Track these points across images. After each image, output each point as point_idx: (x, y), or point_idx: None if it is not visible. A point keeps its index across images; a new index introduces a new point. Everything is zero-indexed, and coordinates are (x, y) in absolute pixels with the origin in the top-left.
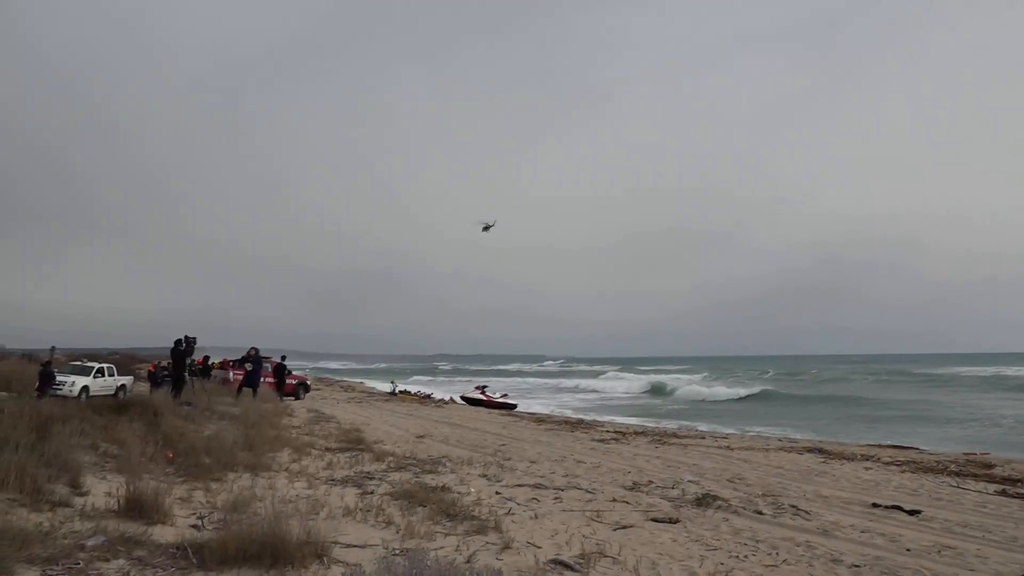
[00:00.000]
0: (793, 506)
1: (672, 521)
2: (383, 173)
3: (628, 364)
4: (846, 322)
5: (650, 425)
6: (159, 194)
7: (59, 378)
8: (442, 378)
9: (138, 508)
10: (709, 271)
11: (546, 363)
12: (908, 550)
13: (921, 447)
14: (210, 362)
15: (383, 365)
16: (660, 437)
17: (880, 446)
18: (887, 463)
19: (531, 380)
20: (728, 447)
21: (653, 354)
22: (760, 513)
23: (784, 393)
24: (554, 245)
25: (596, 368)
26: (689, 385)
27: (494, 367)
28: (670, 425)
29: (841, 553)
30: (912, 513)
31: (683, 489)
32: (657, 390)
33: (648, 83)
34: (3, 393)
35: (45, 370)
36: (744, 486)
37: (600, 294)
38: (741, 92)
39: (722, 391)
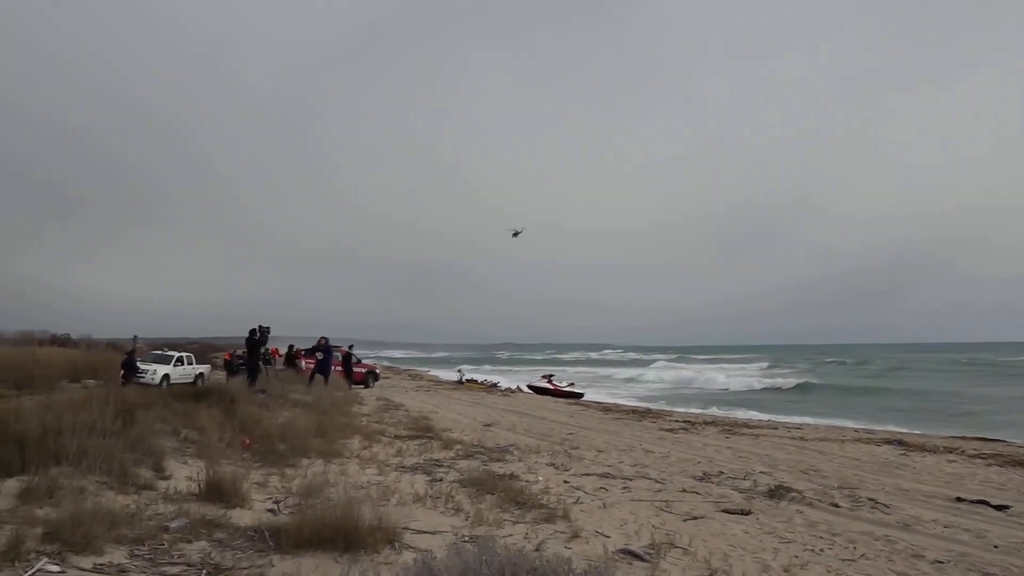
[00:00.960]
0: (871, 499)
1: (744, 512)
2: (451, 161)
3: (692, 352)
4: (927, 306)
5: (720, 415)
6: (230, 189)
7: (141, 367)
8: (505, 367)
9: (218, 492)
10: (782, 255)
11: (611, 351)
12: (996, 547)
13: (1008, 439)
14: (295, 350)
15: (444, 354)
16: (730, 427)
17: (964, 438)
18: (971, 456)
19: (596, 369)
20: (802, 438)
21: (718, 342)
22: (836, 506)
23: (852, 385)
24: (623, 229)
25: (657, 357)
26: (748, 375)
27: (558, 355)
28: (739, 414)
29: (923, 548)
30: (1000, 508)
31: (755, 480)
32: (715, 380)
33: (730, 59)
34: (91, 381)
35: (129, 359)
36: (819, 478)
37: (668, 279)
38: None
39: (784, 380)
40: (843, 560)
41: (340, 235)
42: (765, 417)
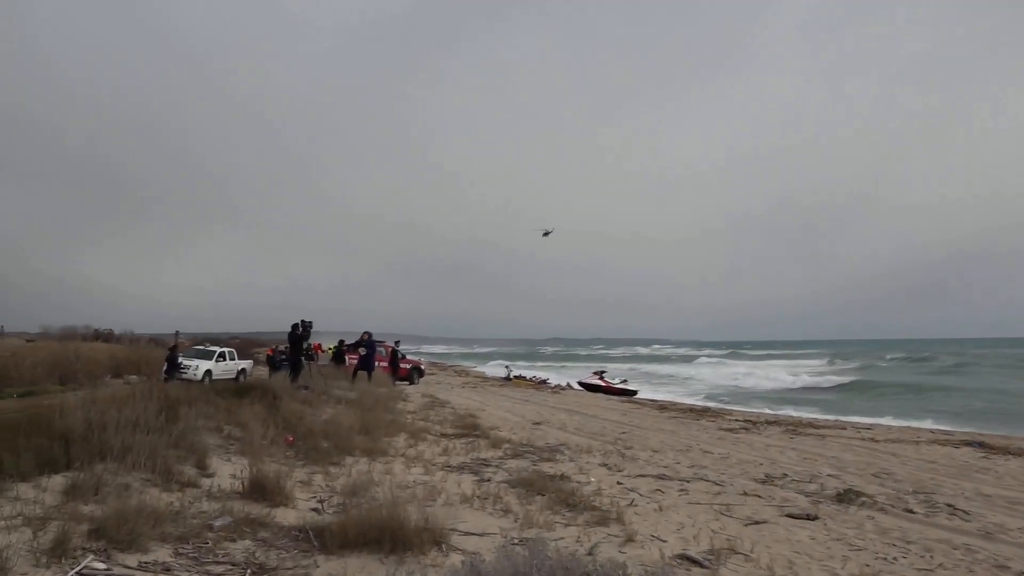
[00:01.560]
0: (949, 505)
1: (810, 517)
2: (509, 155)
3: (745, 348)
4: (990, 300)
5: (782, 413)
6: (276, 182)
7: (184, 362)
8: (554, 363)
9: (261, 490)
10: (840, 248)
11: (660, 346)
12: None
13: None
14: (345, 345)
15: (486, 349)
16: (794, 427)
17: None
18: None
19: (648, 365)
20: (872, 439)
21: (774, 338)
22: (911, 512)
23: (919, 383)
24: (673, 226)
25: (711, 352)
26: (807, 371)
27: (607, 351)
28: (801, 413)
29: (1007, 559)
30: None
31: (822, 483)
32: (773, 377)
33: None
34: (133, 376)
35: (172, 354)
36: (892, 482)
37: (723, 275)
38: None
39: (844, 378)
40: (919, 570)
41: (386, 234)
42: (830, 417)
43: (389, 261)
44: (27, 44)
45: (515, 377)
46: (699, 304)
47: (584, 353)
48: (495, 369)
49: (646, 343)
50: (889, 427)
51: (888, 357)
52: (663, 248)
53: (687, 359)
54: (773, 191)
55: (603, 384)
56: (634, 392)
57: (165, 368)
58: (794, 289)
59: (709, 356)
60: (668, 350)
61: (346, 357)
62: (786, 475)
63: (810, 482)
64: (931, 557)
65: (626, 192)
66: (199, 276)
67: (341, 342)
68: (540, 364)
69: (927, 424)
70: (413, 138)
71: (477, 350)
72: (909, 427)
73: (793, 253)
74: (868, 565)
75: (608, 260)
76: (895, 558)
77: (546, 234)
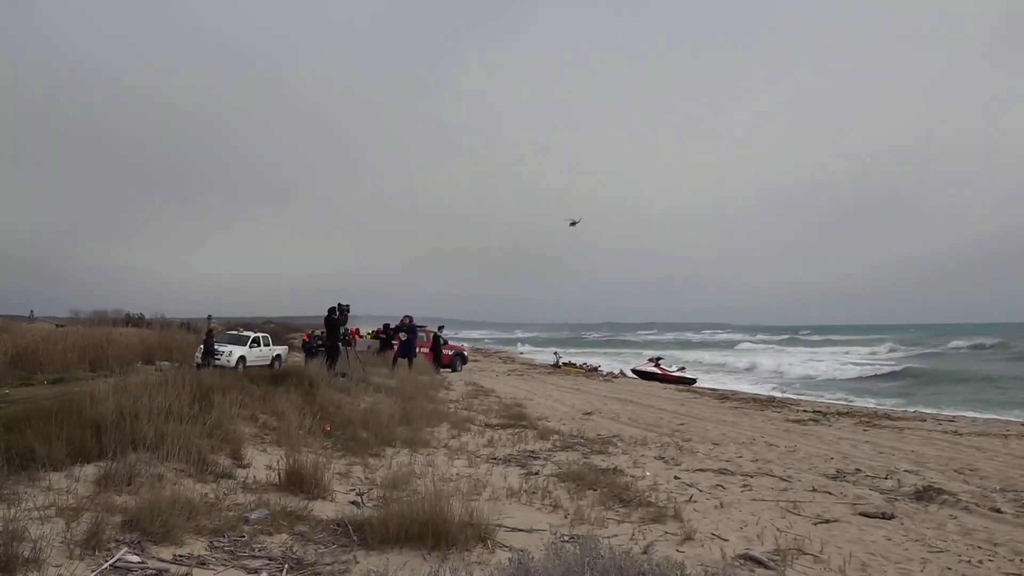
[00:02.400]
0: None
1: (886, 516)
2: (556, 138)
3: (808, 332)
4: None
5: (855, 404)
6: (315, 162)
7: (217, 347)
8: (598, 348)
9: (298, 482)
10: (905, 227)
11: (722, 332)
12: None
13: None
14: (391, 328)
15: (529, 334)
16: (868, 418)
17: None
18: None
19: (705, 353)
20: (955, 432)
21: (835, 322)
22: (998, 511)
23: (1002, 372)
24: (730, 204)
25: (773, 338)
26: (876, 359)
27: (657, 337)
28: (877, 404)
29: None
30: None
31: (899, 480)
32: (841, 364)
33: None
34: (164, 362)
35: (208, 340)
36: (977, 479)
37: (792, 251)
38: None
39: (917, 364)
40: (1006, 574)
41: (427, 219)
42: (907, 408)
43: (431, 245)
44: (51, 35)
45: (564, 364)
46: (760, 284)
47: (629, 338)
48: (543, 355)
49: (697, 327)
50: (974, 419)
51: (955, 343)
52: (720, 223)
53: (743, 345)
54: (843, 157)
55: (659, 372)
56: (693, 381)
57: (200, 354)
58: (859, 270)
59: (765, 343)
60: (722, 336)
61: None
62: (859, 470)
63: (886, 478)
64: (1021, 561)
65: (690, 167)
66: (232, 259)
67: (387, 325)
68: (586, 350)
69: (1015, 416)
70: (456, 122)
71: (519, 335)
72: (997, 419)
73: (856, 232)
74: (950, 568)
75: (664, 240)
76: (980, 561)
77: (573, 224)
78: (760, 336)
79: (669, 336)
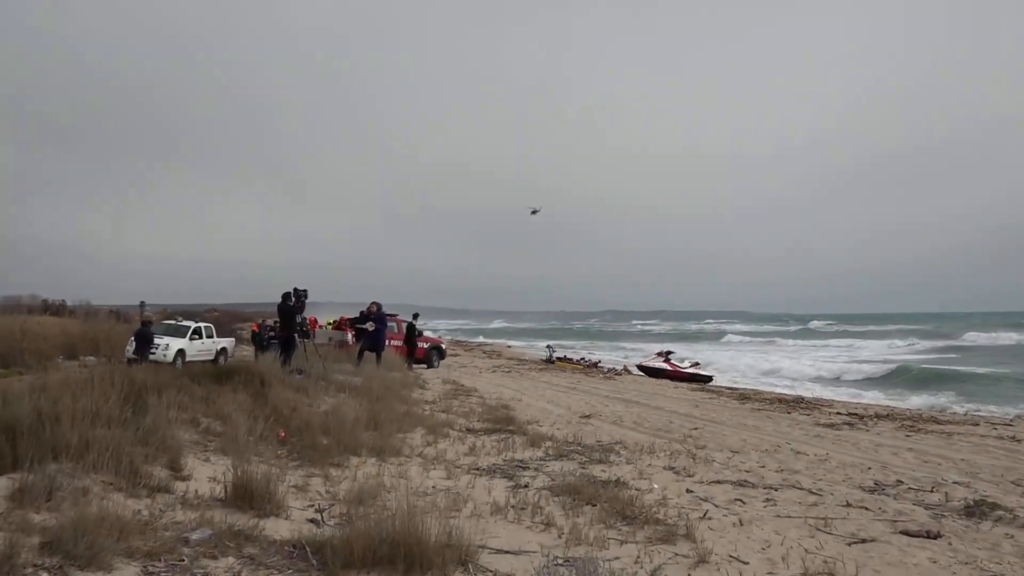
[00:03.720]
0: None
1: (931, 535)
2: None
3: (831, 321)
4: None
5: (898, 406)
6: (267, 128)
7: (152, 340)
8: (606, 342)
9: (247, 497)
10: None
11: (732, 322)
12: None
13: None
14: (348, 320)
15: (515, 324)
16: (912, 421)
17: None
18: None
19: (718, 349)
20: (1013, 437)
21: (859, 310)
22: None
23: None
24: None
25: (798, 328)
26: (905, 352)
27: (652, 328)
28: (912, 404)
29: None
30: None
31: (947, 493)
32: (867, 356)
33: None
34: (91, 358)
35: (143, 331)
36: None
37: (827, 228)
38: None
39: (950, 356)
40: None
41: (394, 185)
42: (956, 409)
43: (407, 218)
44: None
45: (559, 359)
46: (780, 268)
47: (625, 329)
48: (534, 349)
49: (723, 316)
50: None
51: (996, 333)
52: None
53: (768, 337)
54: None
55: (669, 368)
56: (709, 378)
57: (132, 348)
58: (886, 254)
59: (766, 335)
60: (737, 326)
61: (349, 334)
62: (901, 482)
63: (932, 491)
64: None
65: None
66: (169, 237)
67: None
68: (590, 343)
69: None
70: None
71: (505, 325)
72: None
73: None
74: None
75: (674, 228)
76: None
77: (534, 212)
78: (767, 327)
79: (665, 326)
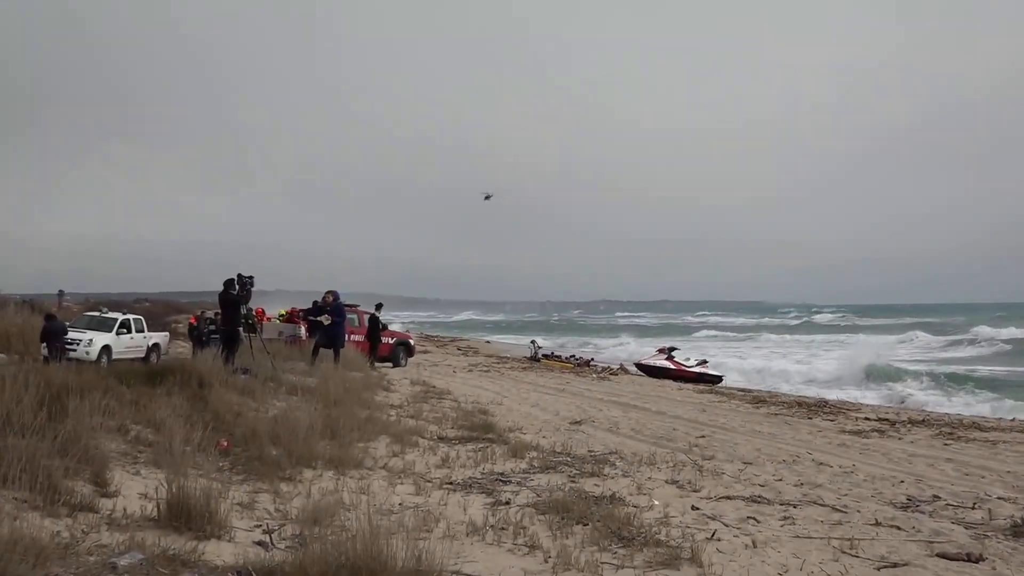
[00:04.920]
0: None
1: (972, 558)
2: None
3: (838, 311)
4: None
5: (935, 410)
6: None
7: (72, 335)
8: (600, 337)
9: (184, 516)
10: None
11: (740, 315)
12: None
13: None
14: (299, 311)
15: (494, 317)
16: (952, 428)
17: None
18: None
19: (729, 343)
20: None
21: (866, 301)
22: None
23: None
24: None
25: (783, 319)
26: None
27: (642, 320)
28: (943, 407)
29: None
30: None
31: (990, 510)
32: (887, 353)
33: None
34: (1, 355)
35: (50, 324)
36: None
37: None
38: None
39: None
40: None
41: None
42: (1002, 416)
43: (371, 196)
44: None
45: (545, 357)
46: (833, 251)
47: (586, 323)
48: (516, 344)
49: (725, 307)
50: None
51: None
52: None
53: (800, 329)
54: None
55: (673, 367)
56: (718, 379)
57: (45, 343)
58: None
59: (792, 328)
60: (743, 320)
61: (302, 328)
62: (938, 498)
63: (973, 508)
64: None
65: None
66: (91, 215)
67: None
68: (580, 338)
69: None
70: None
71: (451, 318)
72: None
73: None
74: None
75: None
76: None
77: (487, 197)
78: (766, 319)
79: (656, 317)
